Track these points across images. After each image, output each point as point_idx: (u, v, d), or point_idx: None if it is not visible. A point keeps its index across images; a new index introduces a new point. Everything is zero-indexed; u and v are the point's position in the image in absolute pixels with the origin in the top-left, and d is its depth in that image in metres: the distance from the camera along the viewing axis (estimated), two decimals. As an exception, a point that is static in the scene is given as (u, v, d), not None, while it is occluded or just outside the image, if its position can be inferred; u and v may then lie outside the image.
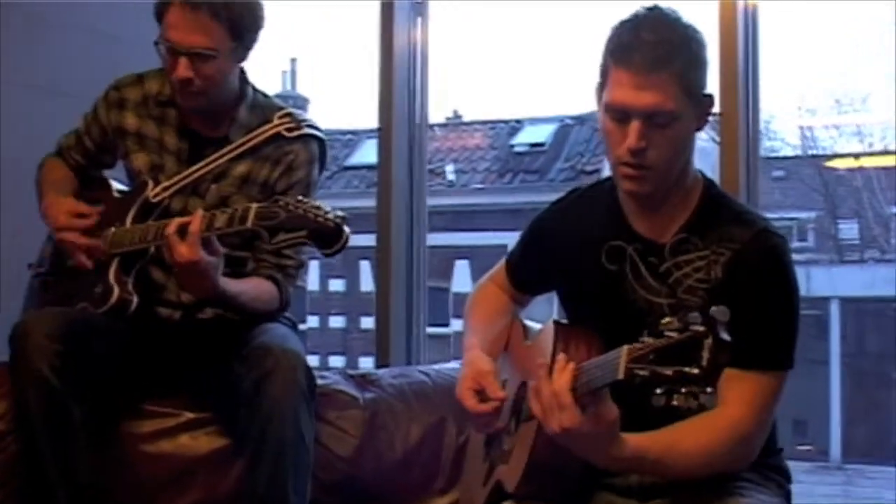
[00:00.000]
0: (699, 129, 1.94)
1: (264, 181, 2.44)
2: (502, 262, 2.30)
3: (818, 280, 11.47)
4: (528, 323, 2.23)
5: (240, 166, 2.44)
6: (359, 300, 14.51)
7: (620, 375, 1.59)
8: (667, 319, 1.58)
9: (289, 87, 15.19)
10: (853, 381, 11.97)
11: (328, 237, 2.03)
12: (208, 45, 2.31)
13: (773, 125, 13.15)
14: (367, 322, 14.96)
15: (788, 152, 13.28)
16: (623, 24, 1.90)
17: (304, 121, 2.49)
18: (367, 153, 13.64)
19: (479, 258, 13.60)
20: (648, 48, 1.84)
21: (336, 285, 14.49)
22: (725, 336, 1.52)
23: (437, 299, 11.99)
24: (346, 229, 2.04)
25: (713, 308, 1.54)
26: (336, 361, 13.96)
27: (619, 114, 1.87)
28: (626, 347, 1.61)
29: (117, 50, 3.33)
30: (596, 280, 2.01)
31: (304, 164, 2.45)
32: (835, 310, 11.96)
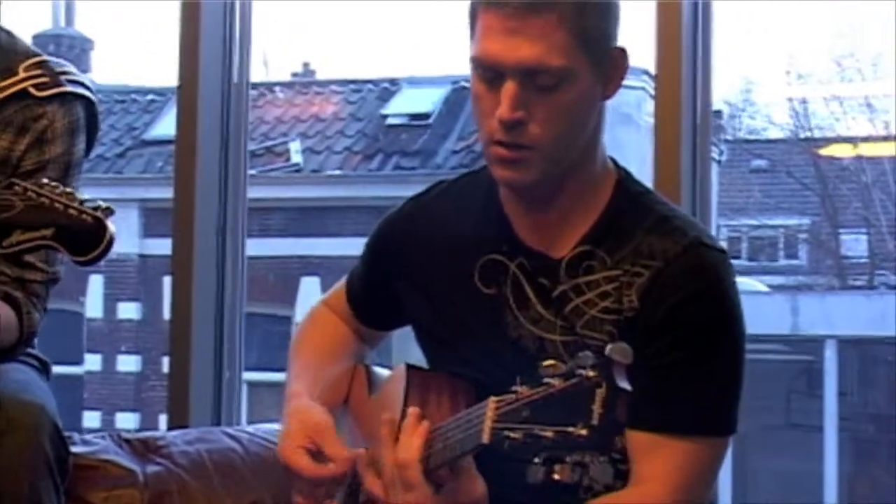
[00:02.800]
0: (607, 96, 1.99)
1: (4, 156, 2.45)
2: (342, 282, 2.34)
3: (810, 313, 11.63)
4: (376, 369, 2.29)
5: None
6: (160, 333, 14.39)
7: (485, 439, 1.64)
8: (549, 362, 1.63)
9: (62, 22, 15.01)
10: (855, 452, 12.22)
11: (83, 238, 2.02)
12: None
13: (754, 95, 13.38)
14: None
15: (774, 134, 13.47)
16: None
17: (65, 73, 2.49)
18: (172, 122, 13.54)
19: (334, 275, 13.53)
20: None
21: (127, 311, 14.32)
22: (624, 384, 1.58)
23: (274, 331, 11.97)
24: (111, 227, 2.03)
25: (609, 346, 1.60)
26: (126, 421, 13.80)
27: (488, 72, 1.91)
28: (492, 401, 1.65)
29: None
30: (466, 308, 2.06)
31: (63, 134, 2.46)
32: (831, 354, 12.16)
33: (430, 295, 2.13)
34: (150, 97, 14.40)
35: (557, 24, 1.87)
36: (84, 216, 2.02)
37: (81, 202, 2.03)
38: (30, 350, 2.54)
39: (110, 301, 13.98)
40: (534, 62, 1.87)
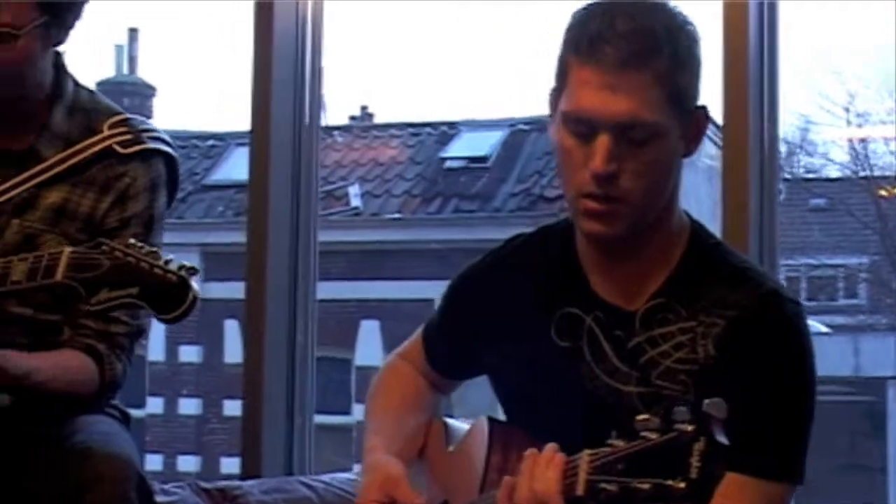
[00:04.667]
0: (688, 153, 2.01)
1: (88, 215, 2.45)
2: (418, 334, 2.34)
3: (872, 353, 11.60)
4: (453, 422, 2.27)
5: (53, 193, 2.45)
6: (221, 376, 14.43)
7: (580, 491, 1.65)
8: (643, 416, 1.63)
9: (125, 69, 15.16)
10: (921, 496, 12.12)
11: (168, 296, 2.06)
12: (8, 20, 2.33)
13: (812, 134, 13.35)
14: (233, 407, 14.89)
15: (833, 173, 13.47)
16: (591, 6, 1.97)
17: (147, 130, 2.51)
18: (238, 167, 13.62)
19: (393, 318, 13.60)
20: (623, 39, 1.89)
21: (189, 354, 14.40)
22: (722, 438, 1.58)
23: (333, 376, 12.01)
24: (194, 286, 2.07)
25: (707, 401, 1.60)
26: (187, 464, 13.85)
27: (581, 126, 1.93)
28: (586, 454, 1.66)
29: None
30: (543, 361, 2.06)
31: (145, 190, 2.48)
32: (894, 395, 12.14)
33: (506, 346, 2.13)
34: (210, 142, 14.51)
35: (653, 81, 1.90)
36: (168, 276, 2.06)
37: (166, 262, 2.07)
38: (112, 402, 2.54)
39: (172, 344, 14.07)
40: (629, 117, 1.89)
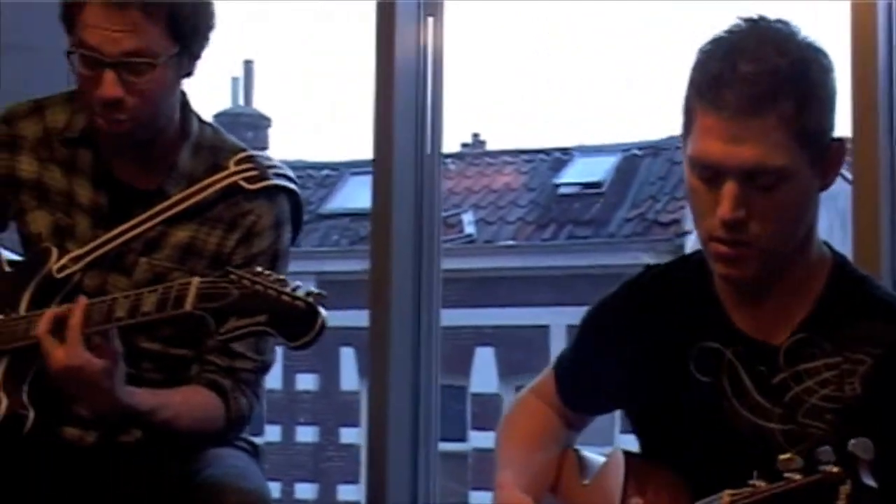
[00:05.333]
0: (824, 187, 1.95)
1: (215, 252, 2.46)
2: (550, 369, 2.32)
3: None
4: (587, 454, 2.25)
5: (181, 231, 2.46)
6: (337, 404, 14.49)
7: None
8: (786, 455, 1.60)
9: (241, 100, 15.33)
10: None
11: (296, 323, 2.06)
12: (143, 48, 2.33)
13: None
14: (349, 434, 14.93)
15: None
16: (714, 44, 1.91)
17: (271, 167, 2.51)
18: (352, 195, 13.69)
19: (507, 345, 13.59)
20: (745, 83, 1.84)
21: (305, 382, 14.50)
22: (869, 480, 1.55)
23: (449, 403, 11.98)
24: (323, 312, 2.07)
25: (852, 441, 1.56)
26: (304, 491, 13.93)
27: (708, 171, 1.89)
28: (727, 493, 1.63)
29: (29, 61, 3.48)
30: (683, 396, 2.02)
31: (271, 227, 2.47)
32: None
33: (643, 380, 2.10)
34: (325, 172, 14.63)
35: (777, 125, 1.84)
36: (297, 302, 2.06)
37: (293, 289, 2.07)
38: (243, 436, 2.54)
39: (289, 373, 14.17)
40: (754, 165, 1.85)
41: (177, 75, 2.43)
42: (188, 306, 2.12)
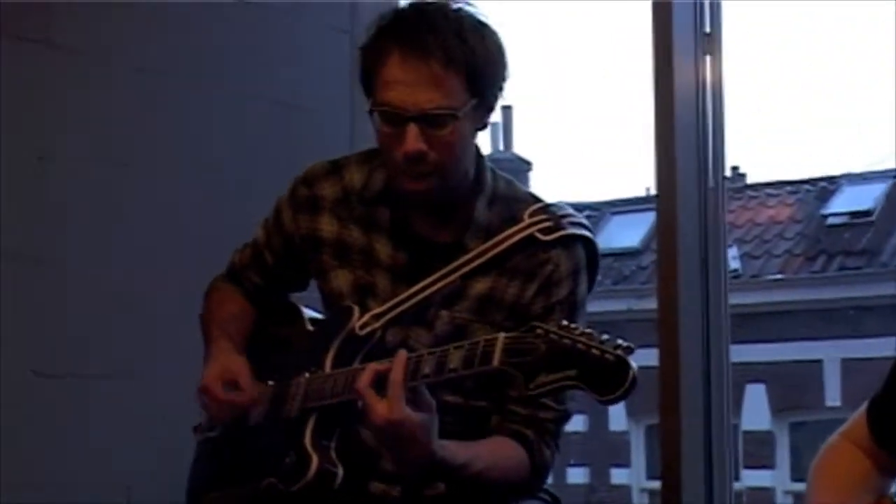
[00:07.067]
0: None
1: (513, 302, 2.45)
2: (861, 410, 2.22)
3: None
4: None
5: (479, 283, 2.46)
6: (607, 444, 14.41)
7: None
8: None
9: (500, 145, 15.43)
10: None
11: (606, 377, 2.02)
12: (444, 100, 2.34)
13: None
14: (619, 475, 14.84)
15: None
16: None
17: (565, 216, 2.49)
18: (614, 235, 13.65)
19: (779, 381, 13.31)
20: None
21: (575, 423, 14.39)
22: None
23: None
24: (633, 366, 2.01)
25: None
26: (576, 534, 13.88)
27: None
28: None
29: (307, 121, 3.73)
30: None
31: (568, 276, 2.45)
32: None
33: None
34: (586, 213, 14.60)
35: None
36: (606, 356, 2.02)
37: (602, 342, 2.03)
38: (545, 489, 2.53)
39: (557, 415, 14.15)
40: None
41: (473, 127, 2.43)
42: (496, 362, 2.10)
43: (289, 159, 2.76)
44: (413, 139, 2.33)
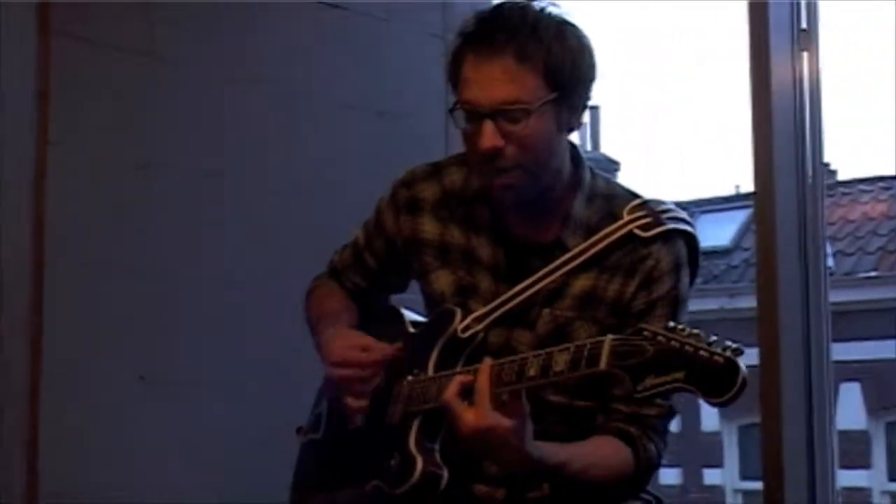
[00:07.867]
0: None
1: (614, 299, 2.43)
2: None
3: None
4: None
5: (579, 280, 2.44)
6: (699, 445, 14.31)
7: None
8: None
9: (588, 146, 15.39)
10: None
11: (715, 379, 2.00)
12: (517, 95, 2.33)
13: None
14: (712, 476, 14.73)
15: None
16: None
17: (664, 212, 2.47)
18: (703, 234, 13.54)
19: (876, 380, 13.15)
20: None
21: (666, 424, 14.40)
22: None
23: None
24: (742, 368, 1.99)
25: None
26: (671, 534, 13.80)
27: None
28: None
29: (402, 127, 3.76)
30: None
31: (669, 272, 2.43)
32: None
33: None
34: (675, 212, 14.52)
35: None
36: (715, 358, 2.00)
37: (710, 343, 2.01)
38: (647, 490, 2.49)
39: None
40: None
41: (557, 125, 2.40)
42: (603, 365, 2.09)
43: (384, 165, 2.78)
44: (489, 135, 2.33)
